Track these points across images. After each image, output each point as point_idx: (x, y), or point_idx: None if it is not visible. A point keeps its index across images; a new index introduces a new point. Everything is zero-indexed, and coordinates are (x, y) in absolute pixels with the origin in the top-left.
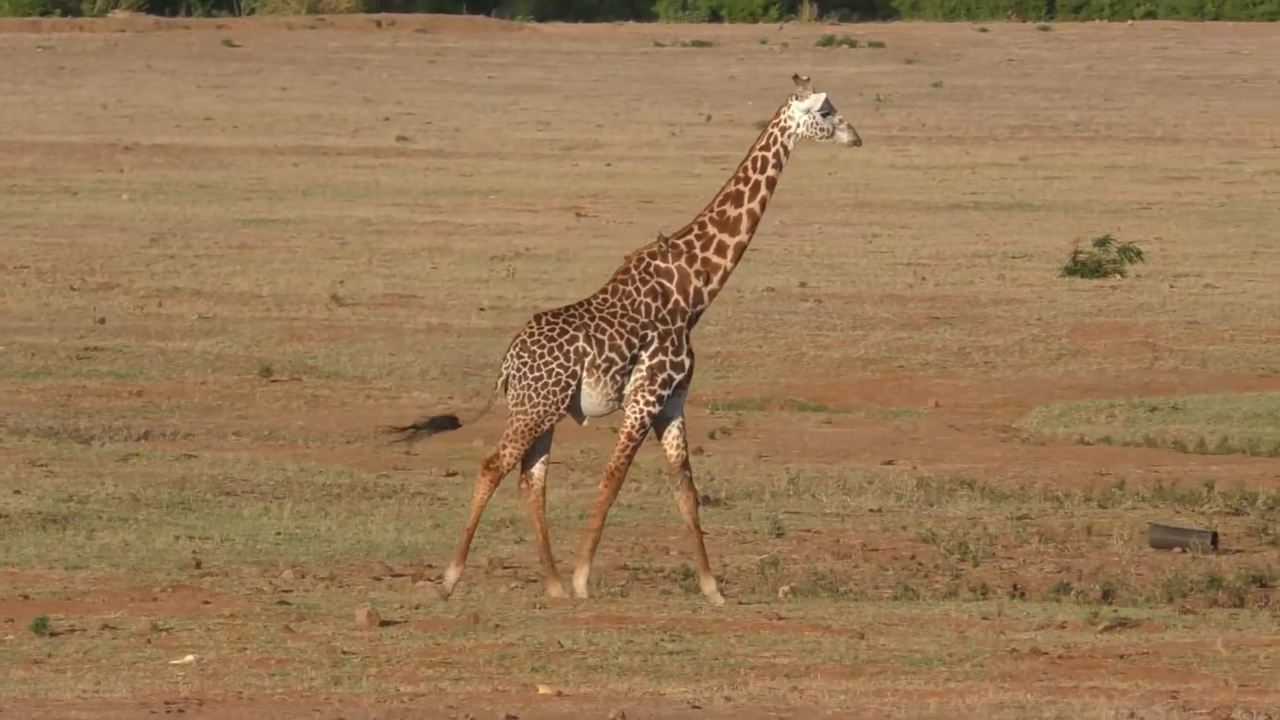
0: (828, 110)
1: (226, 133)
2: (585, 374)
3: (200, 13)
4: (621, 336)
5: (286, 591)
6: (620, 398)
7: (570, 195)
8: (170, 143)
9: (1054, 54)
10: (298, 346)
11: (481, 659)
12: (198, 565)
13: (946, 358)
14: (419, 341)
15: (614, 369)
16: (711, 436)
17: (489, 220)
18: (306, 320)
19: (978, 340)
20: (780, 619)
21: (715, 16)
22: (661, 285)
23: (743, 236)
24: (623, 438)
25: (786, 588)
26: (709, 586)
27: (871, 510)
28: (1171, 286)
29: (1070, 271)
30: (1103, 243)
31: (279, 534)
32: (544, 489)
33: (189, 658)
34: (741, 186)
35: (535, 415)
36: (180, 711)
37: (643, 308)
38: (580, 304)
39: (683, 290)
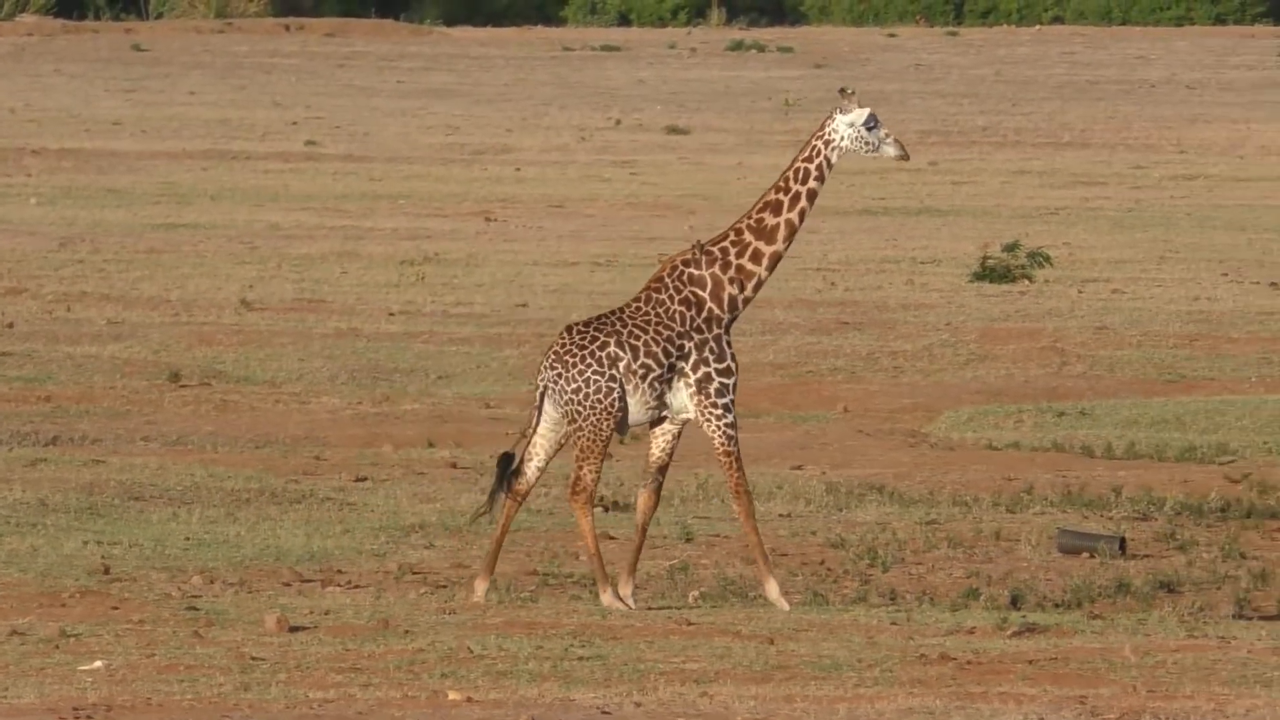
0: (873, 124)
1: (135, 137)
2: (623, 380)
3: (108, 17)
4: (657, 344)
5: (195, 597)
6: (659, 406)
7: (479, 200)
8: (78, 147)
9: (962, 59)
10: (206, 351)
11: (391, 665)
12: (106, 571)
13: (855, 363)
14: (328, 346)
15: (651, 376)
16: (621, 442)
17: (398, 225)
18: (215, 325)
19: (886, 345)
20: (690, 624)
21: (624, 21)
22: (695, 294)
23: (779, 246)
24: (721, 458)
25: (696, 593)
26: (626, 590)
27: (780, 515)
28: (1080, 292)
29: (979, 277)
30: (1011, 248)
31: (188, 539)
32: (527, 493)
33: (97, 664)
34: (781, 196)
35: (593, 426)
36: (89, 718)
37: (677, 316)
38: (612, 312)
39: (716, 298)
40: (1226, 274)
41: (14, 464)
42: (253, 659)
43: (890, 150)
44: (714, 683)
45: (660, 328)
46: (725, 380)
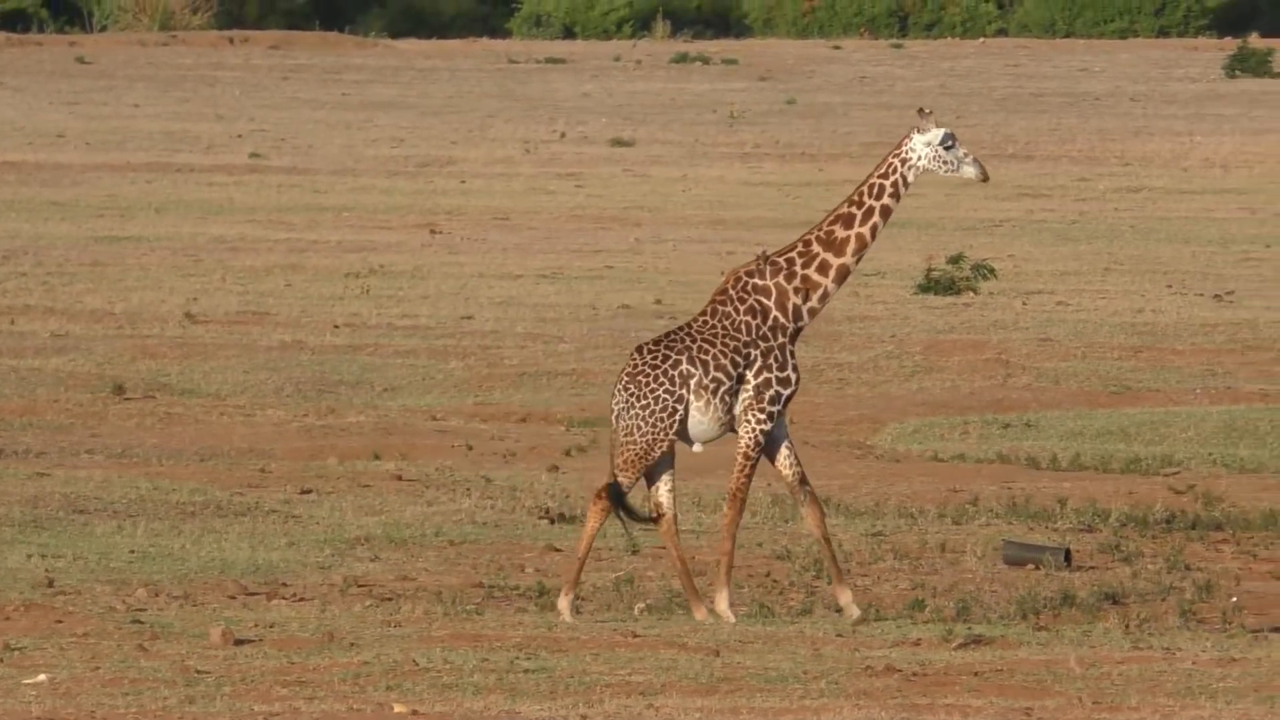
0: (950, 143)
1: (79, 150)
2: (693, 397)
3: (52, 29)
4: (726, 356)
5: (140, 610)
6: (730, 419)
7: (424, 212)
8: (21, 160)
9: (906, 71)
10: (151, 364)
11: (336, 678)
12: (50, 584)
13: (800, 375)
14: (273, 359)
15: (722, 389)
16: (567, 454)
17: (343, 237)
18: (159, 338)
19: (831, 357)
20: (636, 636)
21: (569, 34)
22: (760, 303)
23: (848, 259)
24: (739, 458)
25: (642, 605)
26: (844, 597)
27: None
28: (1024, 304)
29: (924, 289)
30: (956, 260)
31: (132, 552)
32: (675, 515)
33: (41, 677)
34: (854, 210)
35: (644, 443)
36: None
37: (743, 326)
38: (680, 328)
39: (781, 307)
40: (1170, 286)
41: None
42: (198, 672)
43: (970, 170)
44: (660, 695)
45: (728, 339)
46: (782, 389)
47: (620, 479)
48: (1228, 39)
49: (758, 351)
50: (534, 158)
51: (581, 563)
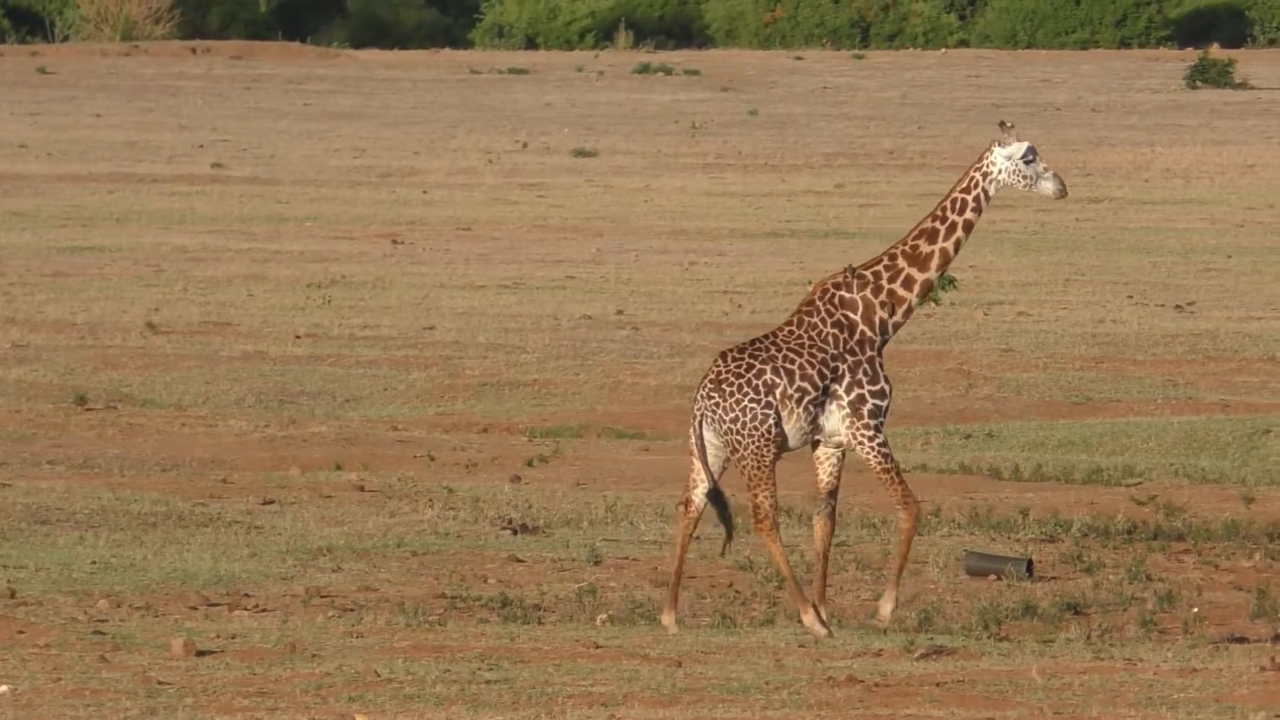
0: (1031, 158)
1: (40, 160)
2: (779, 404)
3: (13, 40)
4: (812, 367)
5: (102, 621)
6: (813, 429)
7: (387, 222)
8: None
9: (868, 82)
10: (112, 374)
11: (298, 689)
12: (12, 595)
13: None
14: (235, 369)
15: (806, 399)
16: (529, 464)
17: (305, 247)
18: (121, 348)
19: None
20: (598, 647)
21: (531, 44)
22: (846, 316)
23: (931, 274)
24: (881, 475)
25: (604, 616)
26: (809, 618)
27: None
28: (986, 314)
29: None
30: None
31: (94, 563)
32: (698, 519)
33: (3, 688)
34: (938, 224)
35: (756, 453)
36: None
37: (830, 339)
38: (764, 337)
39: (868, 320)
40: (1132, 297)
41: None
42: (159, 683)
43: (1048, 186)
44: (622, 705)
45: (814, 351)
46: (879, 401)
47: (758, 496)
48: (1189, 50)
49: (845, 366)
50: (496, 168)
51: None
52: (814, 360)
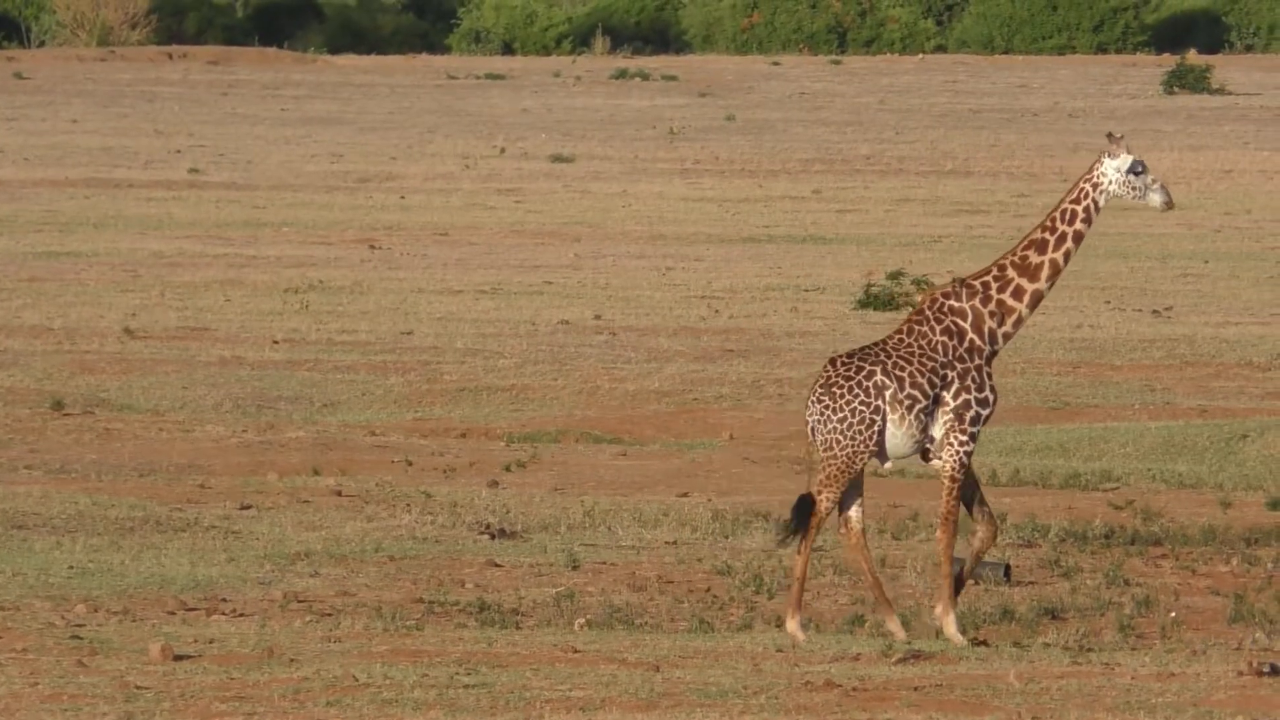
0: (1140, 170)
1: (17, 165)
2: (889, 410)
3: None
4: (922, 375)
5: (79, 626)
6: (924, 438)
7: (364, 227)
8: None
9: (845, 87)
10: (90, 379)
11: (276, 693)
12: None
13: (741, 390)
14: (212, 374)
15: (917, 407)
16: (507, 469)
17: (282, 252)
18: (98, 353)
19: (771, 373)
20: (576, 652)
21: (508, 50)
22: (956, 324)
23: (1041, 285)
24: (946, 481)
25: (582, 620)
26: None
27: (667, 543)
28: None
29: (863, 304)
30: (895, 275)
31: (71, 568)
32: (863, 530)
33: None
34: (1048, 235)
35: (845, 457)
36: None
37: (939, 347)
38: (875, 344)
39: (978, 330)
40: (1109, 302)
41: None
42: (137, 688)
43: (1156, 198)
44: (600, 710)
45: (924, 359)
46: (981, 410)
47: (823, 494)
48: (1166, 55)
49: (954, 373)
50: (473, 173)
51: (801, 581)
52: (924, 368)
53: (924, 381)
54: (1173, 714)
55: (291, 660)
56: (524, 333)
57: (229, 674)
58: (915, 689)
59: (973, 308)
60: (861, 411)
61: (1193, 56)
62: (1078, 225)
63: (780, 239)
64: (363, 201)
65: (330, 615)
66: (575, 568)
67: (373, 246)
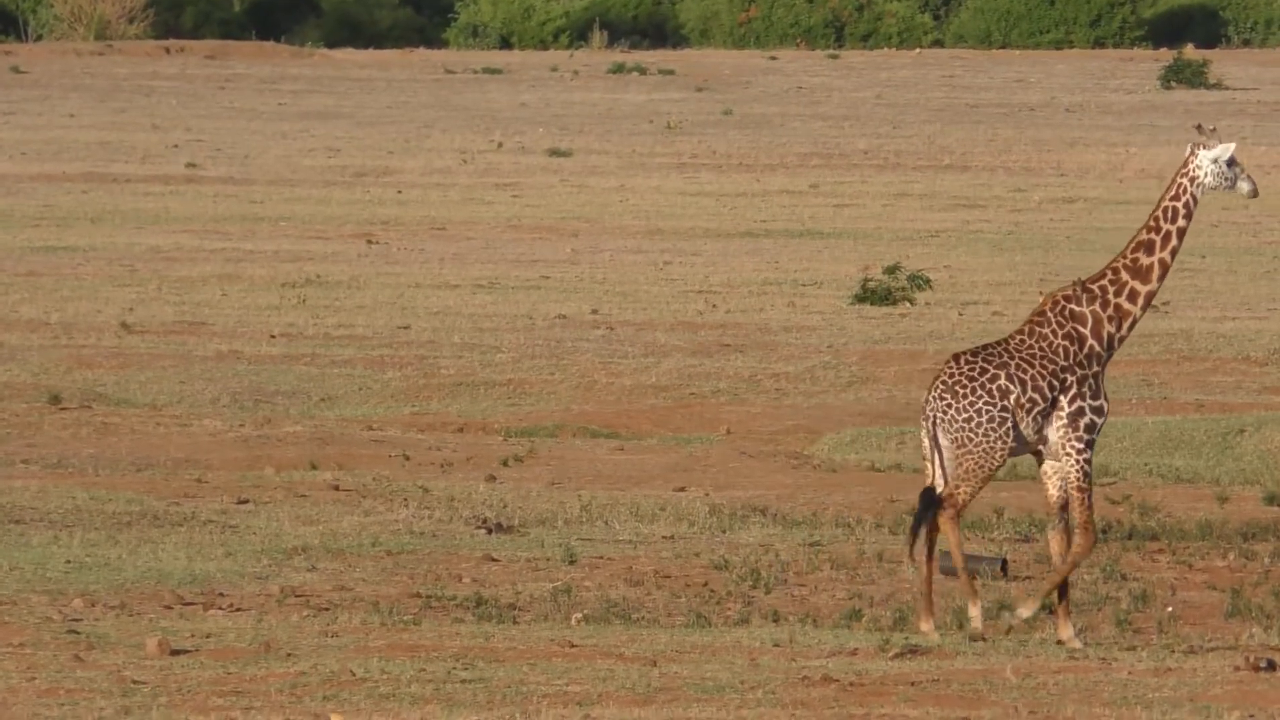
0: (1232, 160)
1: (14, 160)
2: (1014, 411)
3: None
4: (1043, 378)
5: (76, 620)
6: (1037, 439)
7: (361, 222)
8: None
9: (843, 82)
10: (87, 374)
11: (273, 688)
12: None
13: (738, 385)
14: (209, 369)
15: (1035, 410)
16: (504, 464)
17: (279, 247)
18: (96, 348)
19: (769, 367)
20: (573, 646)
21: (506, 44)
22: (1076, 329)
23: (1153, 284)
24: (1075, 492)
25: (579, 615)
26: (1066, 632)
27: (664, 537)
28: (960, 314)
29: (860, 299)
30: (892, 270)
31: (69, 562)
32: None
33: None
34: (1153, 235)
35: (984, 452)
36: None
37: (1060, 350)
38: (997, 344)
39: (1096, 335)
40: None
41: None
42: (134, 682)
43: (1245, 186)
44: (597, 705)
45: (1046, 362)
46: (1096, 418)
47: (961, 488)
48: (1163, 50)
49: (1074, 378)
50: (471, 168)
51: (968, 575)
52: (1044, 372)
53: (1045, 385)
54: (1169, 709)
55: (288, 655)
56: (521, 327)
57: (226, 669)
58: (912, 684)
59: (1093, 313)
60: (989, 410)
61: (1190, 51)
62: (1180, 222)
63: (777, 233)
64: (360, 196)
65: (327, 610)
66: (572, 562)
67: (370, 241)
